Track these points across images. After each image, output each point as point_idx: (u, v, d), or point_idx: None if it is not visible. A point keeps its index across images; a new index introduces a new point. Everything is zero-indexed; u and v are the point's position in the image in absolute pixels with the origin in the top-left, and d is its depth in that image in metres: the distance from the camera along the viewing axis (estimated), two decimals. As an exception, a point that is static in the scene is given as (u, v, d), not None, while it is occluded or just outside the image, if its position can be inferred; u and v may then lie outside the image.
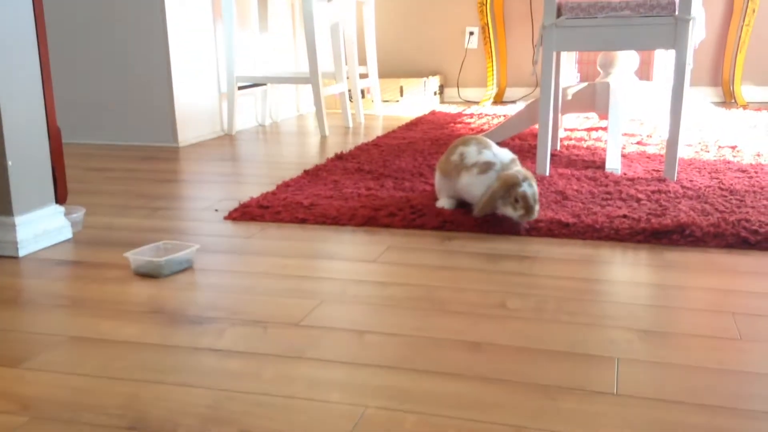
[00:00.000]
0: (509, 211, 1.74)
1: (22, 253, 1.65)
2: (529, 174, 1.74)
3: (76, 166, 2.72)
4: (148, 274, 1.51)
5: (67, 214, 1.82)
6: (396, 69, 4.63)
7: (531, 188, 1.71)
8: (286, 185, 2.23)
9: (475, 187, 1.82)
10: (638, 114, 3.21)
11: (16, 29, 1.64)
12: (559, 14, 2.20)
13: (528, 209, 1.71)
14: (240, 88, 3.55)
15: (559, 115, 2.75)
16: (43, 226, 1.72)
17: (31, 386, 1.05)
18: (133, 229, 1.87)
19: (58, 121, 3.00)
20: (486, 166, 1.81)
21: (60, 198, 1.81)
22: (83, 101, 3.20)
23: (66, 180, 1.83)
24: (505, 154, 1.85)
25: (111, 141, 3.22)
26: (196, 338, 1.20)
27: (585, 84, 2.81)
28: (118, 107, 3.17)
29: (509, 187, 1.72)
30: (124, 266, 1.57)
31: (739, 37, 3.90)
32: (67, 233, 1.79)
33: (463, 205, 1.93)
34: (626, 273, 1.48)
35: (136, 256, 1.52)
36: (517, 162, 1.84)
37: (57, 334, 1.23)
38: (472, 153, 1.86)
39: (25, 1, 1.66)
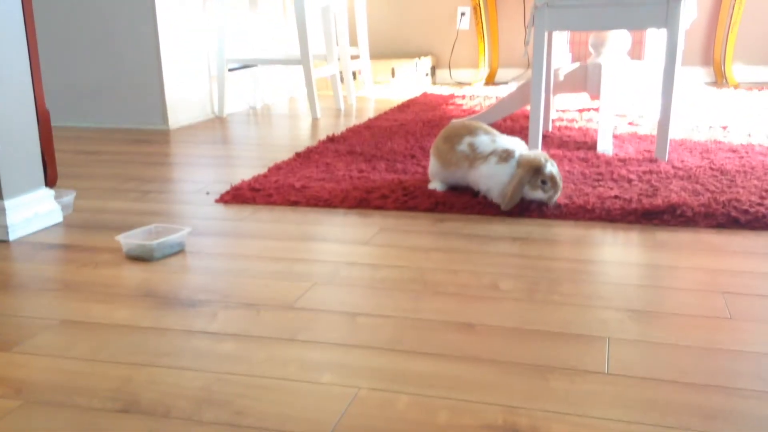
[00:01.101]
0: (538, 195, 1.72)
1: (12, 236, 1.65)
2: (546, 155, 1.74)
3: (66, 149, 2.70)
4: (140, 258, 1.50)
5: (57, 197, 1.81)
6: (387, 50, 4.61)
7: (554, 167, 1.72)
8: (277, 168, 2.23)
9: (496, 177, 1.77)
10: (630, 94, 3.21)
11: (3, 12, 1.62)
12: (550, -6, 2.19)
13: (557, 188, 1.71)
14: (230, 70, 3.53)
15: (551, 95, 2.74)
16: (33, 210, 1.71)
17: (24, 370, 1.05)
18: (124, 212, 1.86)
19: (47, 105, 2.98)
20: (506, 154, 1.76)
21: (50, 181, 1.80)
22: (72, 84, 3.17)
23: (56, 163, 1.82)
24: (518, 141, 1.83)
25: (101, 124, 3.20)
26: (189, 321, 1.20)
27: (577, 64, 2.80)
28: (108, 90, 3.14)
29: (535, 170, 1.70)
30: (116, 250, 1.57)
31: (731, 16, 3.90)
32: (58, 217, 1.78)
33: (455, 188, 1.93)
34: (618, 253, 1.48)
35: (128, 240, 1.52)
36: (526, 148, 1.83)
37: (49, 317, 1.23)
38: (485, 142, 1.81)
39: (12, -17, 1.65)
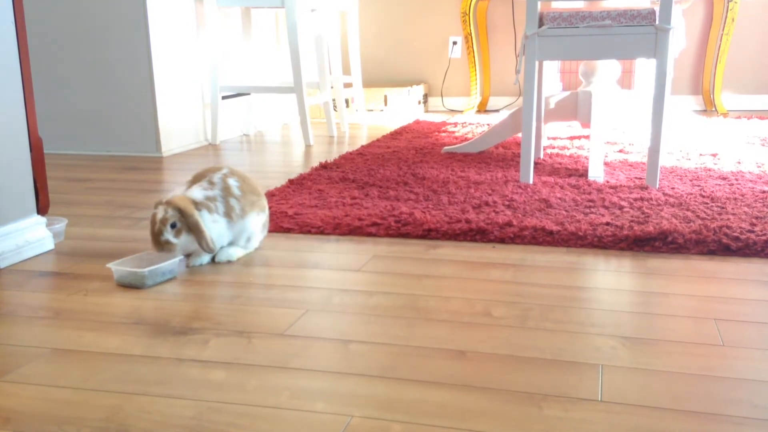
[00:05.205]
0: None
1: (3, 264, 1.64)
2: (175, 200, 1.55)
3: (59, 176, 2.70)
4: (131, 285, 1.50)
5: (48, 225, 1.80)
6: (380, 78, 4.64)
7: (160, 210, 1.54)
8: (270, 195, 2.23)
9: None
10: (620, 122, 3.24)
11: (-3, 39, 1.63)
12: (541, 24, 2.22)
13: (151, 235, 1.55)
14: (224, 97, 3.54)
15: (542, 123, 2.77)
16: (24, 237, 1.70)
17: (13, 399, 1.04)
18: (115, 239, 1.85)
19: (40, 132, 2.98)
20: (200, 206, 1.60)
21: (42, 209, 1.79)
22: (65, 112, 3.18)
23: (48, 191, 1.82)
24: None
25: (94, 151, 3.20)
26: (180, 349, 1.20)
27: (567, 93, 2.83)
28: (101, 117, 3.15)
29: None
30: (107, 277, 1.56)
31: (719, 46, 3.95)
32: (49, 244, 1.77)
33: (448, 215, 1.93)
34: (610, 280, 1.49)
35: (119, 267, 1.51)
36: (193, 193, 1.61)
37: (39, 346, 1.22)
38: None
39: (7, 11, 1.66)
